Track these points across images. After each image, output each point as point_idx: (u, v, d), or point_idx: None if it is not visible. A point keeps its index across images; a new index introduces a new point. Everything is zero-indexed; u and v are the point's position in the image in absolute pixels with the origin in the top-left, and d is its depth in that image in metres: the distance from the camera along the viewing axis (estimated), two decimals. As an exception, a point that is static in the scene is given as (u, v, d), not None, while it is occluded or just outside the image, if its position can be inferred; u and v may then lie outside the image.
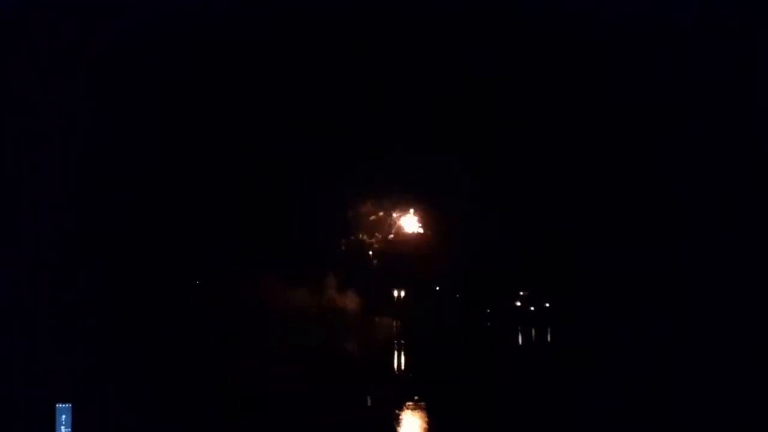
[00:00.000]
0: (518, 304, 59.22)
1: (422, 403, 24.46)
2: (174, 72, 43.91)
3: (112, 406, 19.13)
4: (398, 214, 64.55)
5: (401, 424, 22.02)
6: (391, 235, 62.49)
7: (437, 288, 57.77)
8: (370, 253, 61.07)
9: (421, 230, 62.73)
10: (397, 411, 22.93)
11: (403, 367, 36.82)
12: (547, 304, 57.89)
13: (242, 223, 48.08)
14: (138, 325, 35.83)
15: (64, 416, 14.88)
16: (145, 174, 43.39)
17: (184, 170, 45.81)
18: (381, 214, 65.33)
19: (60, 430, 14.78)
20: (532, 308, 58.64)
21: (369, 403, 25.05)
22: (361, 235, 61.89)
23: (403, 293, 57.89)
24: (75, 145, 39.11)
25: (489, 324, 56.38)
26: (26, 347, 25.97)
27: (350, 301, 54.75)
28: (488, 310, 57.79)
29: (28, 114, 37.88)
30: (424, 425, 22.10)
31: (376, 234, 63.22)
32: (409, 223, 63.41)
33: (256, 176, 49.47)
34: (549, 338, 51.81)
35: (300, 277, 50.54)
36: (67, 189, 38.63)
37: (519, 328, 53.73)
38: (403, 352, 42.19)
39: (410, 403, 24.27)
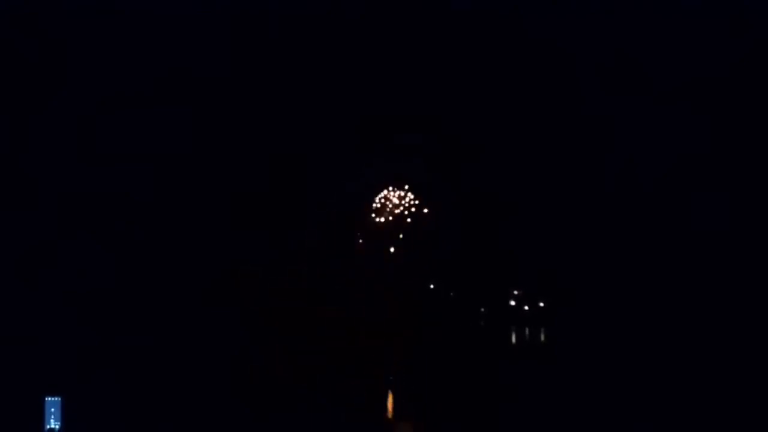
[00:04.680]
0: (512, 303, 59.14)
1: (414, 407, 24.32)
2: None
3: (102, 399, 18.86)
4: (388, 212, 64.32)
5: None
6: (381, 232, 62.24)
7: (431, 286, 57.65)
8: (359, 251, 60.80)
9: (412, 228, 62.50)
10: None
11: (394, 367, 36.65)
12: (542, 304, 57.80)
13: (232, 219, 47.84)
14: (129, 317, 35.51)
15: (53, 409, 14.60)
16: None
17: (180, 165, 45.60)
18: (371, 213, 65.11)
19: (49, 423, 14.50)
20: (526, 308, 58.56)
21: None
22: (348, 233, 61.55)
23: (394, 293, 57.70)
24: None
25: (483, 323, 56.26)
26: (14, 339, 25.67)
27: (337, 302, 54.43)
28: (482, 309, 57.67)
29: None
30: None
31: (366, 232, 62.93)
32: (400, 220, 63.19)
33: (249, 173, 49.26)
34: (542, 338, 51.77)
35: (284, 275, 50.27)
36: (65, 172, 38.60)
37: (512, 327, 53.66)
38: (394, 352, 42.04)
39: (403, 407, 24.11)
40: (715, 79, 41.97)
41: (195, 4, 43.97)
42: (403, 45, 48.35)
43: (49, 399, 14.91)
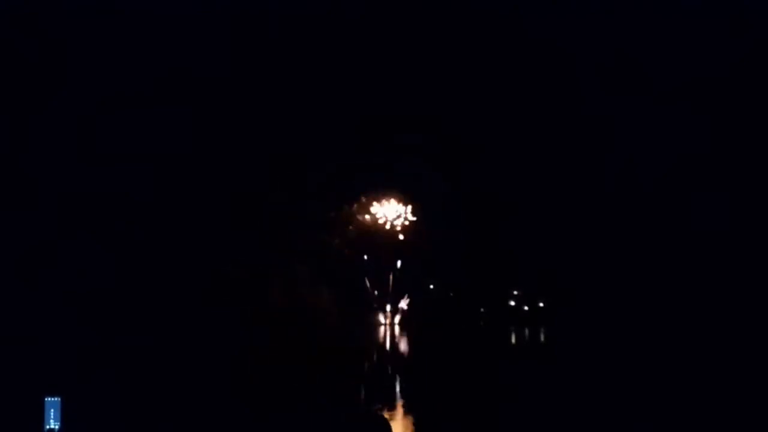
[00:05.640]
0: (512, 303, 59.22)
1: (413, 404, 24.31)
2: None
3: (102, 399, 18.84)
4: (392, 213, 64.27)
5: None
6: (383, 233, 62.25)
7: (431, 287, 57.65)
8: (364, 253, 60.77)
9: (414, 229, 62.49)
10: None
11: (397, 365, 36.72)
12: (541, 304, 57.86)
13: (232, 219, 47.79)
14: (129, 317, 35.49)
15: (53, 410, 14.58)
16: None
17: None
18: (374, 214, 65.05)
19: (49, 423, 14.49)
20: (526, 308, 58.63)
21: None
22: (352, 234, 61.46)
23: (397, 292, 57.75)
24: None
25: (482, 323, 56.30)
26: (14, 339, 25.67)
27: (346, 303, 54.38)
28: (482, 309, 57.72)
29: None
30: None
31: (367, 232, 62.87)
32: (402, 221, 63.17)
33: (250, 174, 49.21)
34: (542, 338, 51.83)
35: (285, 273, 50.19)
36: (66, 171, 38.59)
37: (512, 328, 53.73)
38: (397, 350, 42.12)
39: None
40: (715, 79, 41.96)
41: (195, 4, 43.93)
42: (402, 45, 48.32)
43: (49, 399, 14.86)
